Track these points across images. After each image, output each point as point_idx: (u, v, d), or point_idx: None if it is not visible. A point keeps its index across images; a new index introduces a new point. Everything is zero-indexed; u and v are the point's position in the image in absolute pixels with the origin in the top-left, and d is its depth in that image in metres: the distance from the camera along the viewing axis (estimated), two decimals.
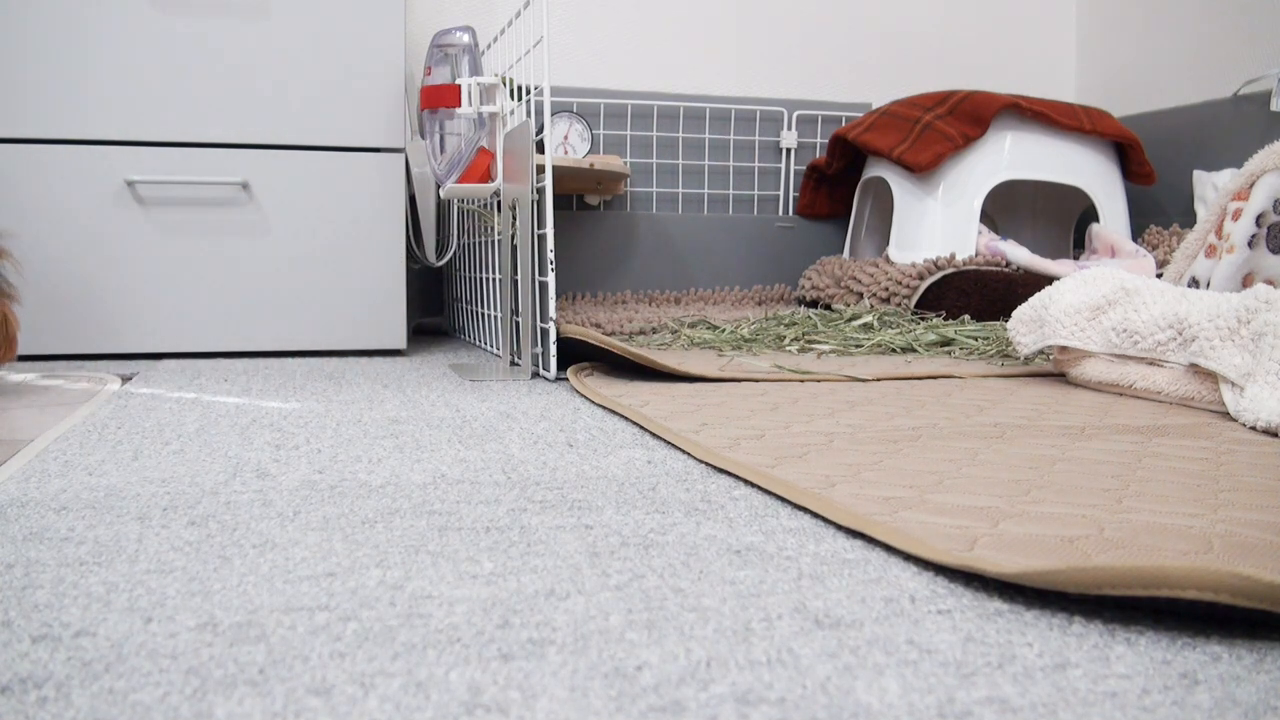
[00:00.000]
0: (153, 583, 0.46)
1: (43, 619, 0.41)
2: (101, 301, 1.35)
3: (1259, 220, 1.20)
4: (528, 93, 1.23)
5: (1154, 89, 2.02)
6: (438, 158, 1.26)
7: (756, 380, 1.11)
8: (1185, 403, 0.97)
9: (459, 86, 1.21)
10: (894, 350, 1.37)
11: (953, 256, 1.66)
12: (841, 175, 2.01)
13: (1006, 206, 2.05)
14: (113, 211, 1.35)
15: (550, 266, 1.14)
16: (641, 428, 0.85)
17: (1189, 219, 1.79)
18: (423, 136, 1.31)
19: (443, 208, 1.63)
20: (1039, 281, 1.56)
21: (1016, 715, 0.34)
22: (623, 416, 0.91)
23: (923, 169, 1.75)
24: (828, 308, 1.80)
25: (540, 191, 1.16)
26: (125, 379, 1.18)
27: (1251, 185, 1.21)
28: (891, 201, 1.85)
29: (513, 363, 1.26)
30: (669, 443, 0.79)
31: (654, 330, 1.52)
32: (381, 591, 0.45)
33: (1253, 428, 0.85)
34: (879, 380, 1.12)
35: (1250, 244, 1.20)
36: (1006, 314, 1.55)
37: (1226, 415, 0.91)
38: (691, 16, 2.04)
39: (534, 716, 0.33)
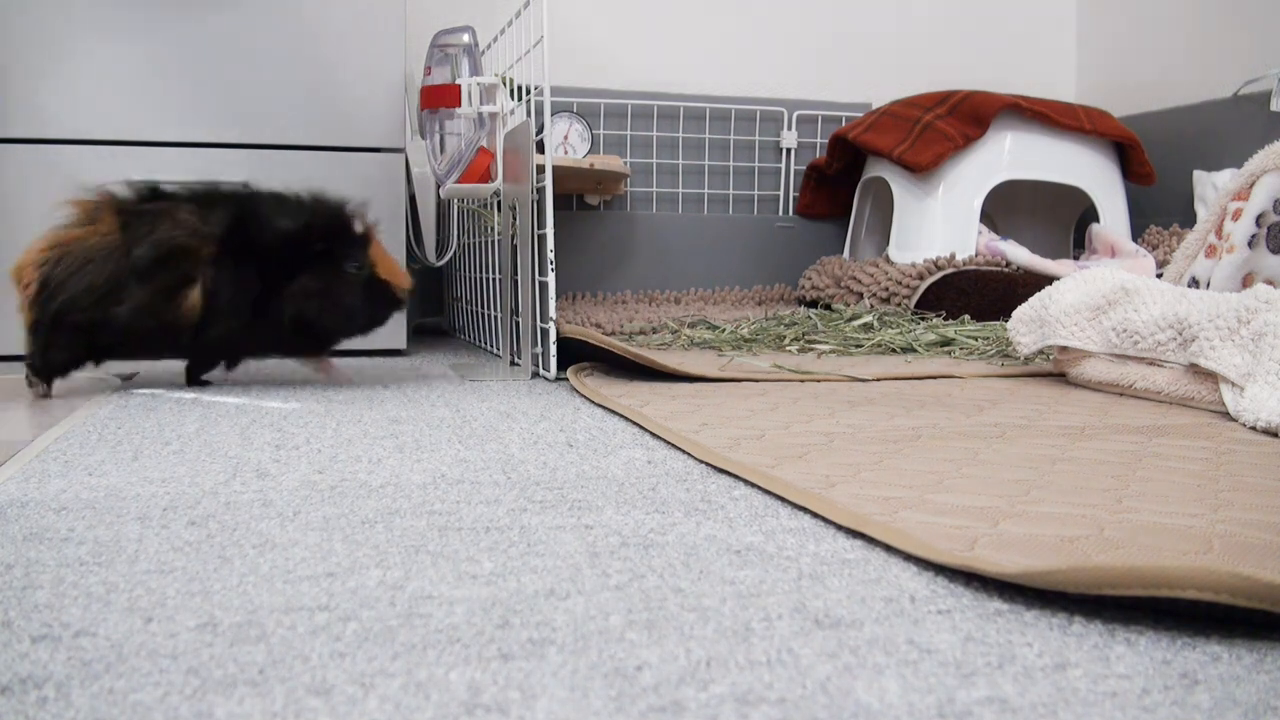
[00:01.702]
0: (153, 583, 0.46)
1: (43, 619, 0.41)
2: None
3: (1259, 220, 1.20)
4: (528, 93, 1.23)
5: (1154, 89, 2.02)
6: (438, 158, 1.26)
7: (756, 380, 1.11)
8: (1185, 403, 0.97)
9: (459, 86, 1.21)
10: (894, 350, 1.37)
11: (953, 256, 1.66)
12: (841, 175, 2.00)
13: (1006, 206, 2.05)
14: None
15: (550, 266, 1.14)
16: (641, 428, 0.85)
17: (1189, 219, 1.79)
18: (423, 136, 1.30)
19: (443, 208, 1.63)
20: (1039, 281, 1.55)
21: (1016, 715, 0.34)
22: (623, 416, 0.91)
23: (923, 169, 1.75)
24: (828, 308, 1.80)
25: (540, 191, 1.16)
26: (125, 379, 1.18)
27: (1251, 185, 1.21)
28: (891, 201, 1.85)
29: (513, 363, 1.26)
30: (669, 443, 0.79)
31: (654, 330, 1.52)
32: (381, 591, 0.45)
33: (1253, 428, 0.85)
34: (879, 380, 1.12)
35: (1250, 244, 1.20)
36: (1006, 314, 1.55)
37: (1226, 415, 0.91)
38: (692, 16, 2.04)
39: (534, 716, 0.33)
